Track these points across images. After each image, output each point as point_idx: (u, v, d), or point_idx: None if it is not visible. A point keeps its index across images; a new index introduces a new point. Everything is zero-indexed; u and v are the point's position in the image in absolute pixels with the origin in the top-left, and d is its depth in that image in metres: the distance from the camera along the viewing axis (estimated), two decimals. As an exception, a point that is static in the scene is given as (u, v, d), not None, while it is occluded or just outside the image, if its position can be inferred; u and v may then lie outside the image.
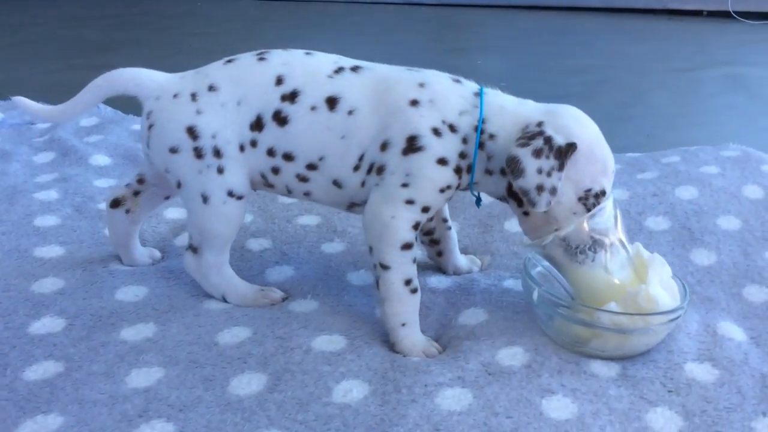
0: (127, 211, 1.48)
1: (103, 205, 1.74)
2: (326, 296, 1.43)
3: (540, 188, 1.20)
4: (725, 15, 4.22)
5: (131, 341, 1.28)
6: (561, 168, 1.20)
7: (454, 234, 1.52)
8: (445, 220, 1.50)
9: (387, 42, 3.71)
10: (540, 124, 1.23)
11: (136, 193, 1.48)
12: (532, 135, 1.22)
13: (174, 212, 1.73)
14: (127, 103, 1.70)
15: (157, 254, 1.58)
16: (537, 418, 1.11)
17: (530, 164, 1.20)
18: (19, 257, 1.53)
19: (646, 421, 1.11)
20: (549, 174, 1.20)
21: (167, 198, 1.51)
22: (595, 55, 3.51)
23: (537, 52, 3.61)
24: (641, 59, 3.46)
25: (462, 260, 1.54)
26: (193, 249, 1.39)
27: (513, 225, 1.66)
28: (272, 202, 1.78)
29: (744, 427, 1.10)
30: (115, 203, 1.48)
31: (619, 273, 1.27)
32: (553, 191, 1.21)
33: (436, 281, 1.48)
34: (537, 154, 1.20)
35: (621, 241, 1.29)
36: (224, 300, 1.41)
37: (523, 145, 1.21)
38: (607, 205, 1.27)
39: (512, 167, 1.21)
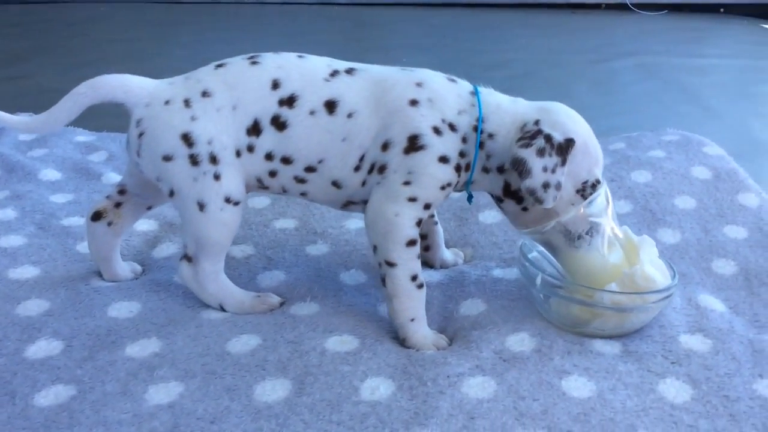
0: (109, 224, 1.44)
1: (67, 221, 1.68)
2: (325, 298, 1.43)
3: (546, 185, 1.24)
4: (623, 7, 4.45)
5: (139, 358, 1.25)
6: (564, 163, 1.25)
7: (440, 229, 1.55)
8: (432, 215, 1.52)
9: (307, 43, 3.69)
10: (537, 122, 1.28)
11: (118, 205, 1.44)
12: (533, 134, 1.26)
13: (145, 224, 1.67)
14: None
15: (138, 268, 1.53)
16: (562, 398, 1.16)
17: (536, 164, 1.24)
18: (-8, 281, 1.45)
19: (659, 392, 1.18)
20: (553, 171, 1.24)
21: (149, 208, 1.48)
22: (513, 50, 3.61)
23: (457, 48, 3.68)
24: (555, 52, 3.59)
25: (447, 254, 1.57)
26: (189, 258, 1.36)
27: (487, 216, 1.72)
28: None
29: (747, 390, 1.18)
30: (97, 216, 1.43)
31: (612, 255, 1.34)
32: (558, 187, 1.25)
33: (428, 276, 1.50)
34: (540, 152, 1.24)
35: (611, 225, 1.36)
36: (222, 309, 1.38)
37: (526, 146, 1.25)
38: (600, 191, 1.33)
39: (519, 168, 1.25)
